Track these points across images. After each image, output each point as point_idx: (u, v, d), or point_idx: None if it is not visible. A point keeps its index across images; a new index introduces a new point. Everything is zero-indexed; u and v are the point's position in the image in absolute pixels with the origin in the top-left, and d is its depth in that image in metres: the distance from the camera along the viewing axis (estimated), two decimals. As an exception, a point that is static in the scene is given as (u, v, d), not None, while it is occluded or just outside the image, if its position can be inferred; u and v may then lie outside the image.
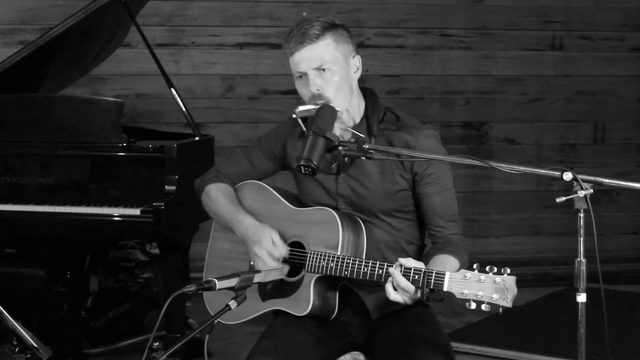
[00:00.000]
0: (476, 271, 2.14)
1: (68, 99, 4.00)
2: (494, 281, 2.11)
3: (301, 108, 2.46)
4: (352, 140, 2.48)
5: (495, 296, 2.11)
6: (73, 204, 3.73)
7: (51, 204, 3.74)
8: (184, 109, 4.04)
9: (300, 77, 2.52)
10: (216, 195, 2.72)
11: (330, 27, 2.51)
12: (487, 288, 2.11)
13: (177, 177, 3.70)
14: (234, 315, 2.38)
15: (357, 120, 2.59)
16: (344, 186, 2.59)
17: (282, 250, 2.53)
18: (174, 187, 3.68)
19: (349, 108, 2.55)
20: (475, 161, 2.26)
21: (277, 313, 2.59)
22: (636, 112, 6.00)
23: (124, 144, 3.75)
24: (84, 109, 3.83)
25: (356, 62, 2.56)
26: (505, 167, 2.22)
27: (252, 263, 2.57)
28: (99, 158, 3.78)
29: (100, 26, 4.16)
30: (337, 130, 2.49)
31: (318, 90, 2.48)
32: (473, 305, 2.13)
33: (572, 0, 5.84)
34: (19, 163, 3.82)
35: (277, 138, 2.72)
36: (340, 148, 2.36)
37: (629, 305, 5.13)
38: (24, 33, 5.21)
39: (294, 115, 2.47)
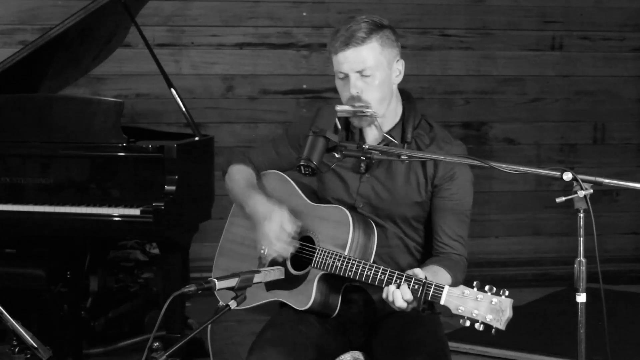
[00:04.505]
0: (475, 289, 2.14)
1: (68, 99, 4.00)
2: (491, 301, 2.10)
3: (340, 108, 2.43)
4: (384, 144, 2.48)
5: (489, 317, 2.10)
6: (73, 204, 3.73)
7: (51, 204, 3.73)
8: (183, 109, 4.04)
9: (342, 77, 2.51)
10: (234, 175, 2.74)
11: (377, 28, 2.49)
12: (482, 307, 2.11)
13: (176, 177, 3.69)
14: None
15: (392, 125, 2.58)
16: (366, 186, 2.58)
17: (294, 225, 2.51)
18: (173, 187, 3.68)
19: (387, 112, 2.54)
20: (475, 161, 2.27)
21: (282, 304, 2.60)
22: (636, 112, 6.00)
23: (124, 144, 3.75)
24: (84, 109, 3.83)
25: (399, 66, 2.55)
26: (505, 167, 2.22)
27: (259, 247, 2.54)
28: (98, 158, 3.78)
29: (100, 26, 4.16)
30: (372, 133, 2.51)
31: (358, 93, 2.47)
32: (467, 323, 2.13)
33: (572, 0, 5.84)
34: (19, 163, 3.81)
35: (305, 130, 2.65)
36: (337, 155, 2.36)
37: (629, 305, 5.13)
38: (24, 33, 5.21)
39: (338, 113, 2.43)
